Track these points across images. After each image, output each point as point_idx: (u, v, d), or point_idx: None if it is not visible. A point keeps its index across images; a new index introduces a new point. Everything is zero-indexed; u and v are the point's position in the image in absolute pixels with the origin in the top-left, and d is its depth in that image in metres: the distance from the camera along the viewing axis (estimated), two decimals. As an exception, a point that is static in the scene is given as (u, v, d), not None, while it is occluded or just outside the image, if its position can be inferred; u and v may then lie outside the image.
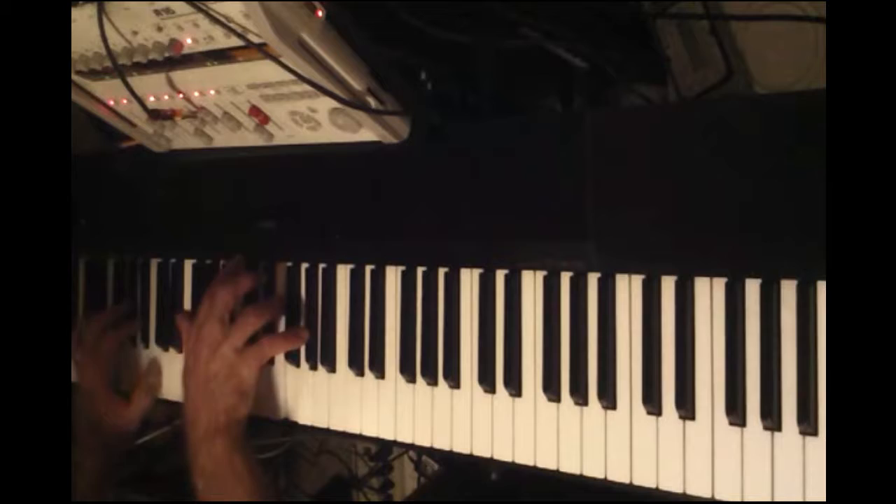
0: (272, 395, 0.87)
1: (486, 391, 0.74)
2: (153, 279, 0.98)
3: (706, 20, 0.83)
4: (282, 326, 0.87)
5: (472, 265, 0.76)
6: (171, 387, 0.95)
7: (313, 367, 0.85)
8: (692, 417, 0.65)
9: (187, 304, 0.94)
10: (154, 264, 0.98)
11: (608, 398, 0.68)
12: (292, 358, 0.86)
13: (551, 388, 0.71)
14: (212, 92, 0.76)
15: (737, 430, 0.63)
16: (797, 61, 0.80)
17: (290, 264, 0.87)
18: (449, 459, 1.00)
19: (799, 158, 0.59)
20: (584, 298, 0.70)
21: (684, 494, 0.64)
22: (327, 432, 0.83)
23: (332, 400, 0.84)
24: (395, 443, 0.80)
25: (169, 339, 0.96)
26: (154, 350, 0.97)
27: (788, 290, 0.61)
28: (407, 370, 0.78)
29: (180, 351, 0.94)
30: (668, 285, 0.66)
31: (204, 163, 0.88)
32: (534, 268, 0.72)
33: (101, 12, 0.67)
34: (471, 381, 0.75)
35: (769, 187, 0.61)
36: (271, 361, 0.87)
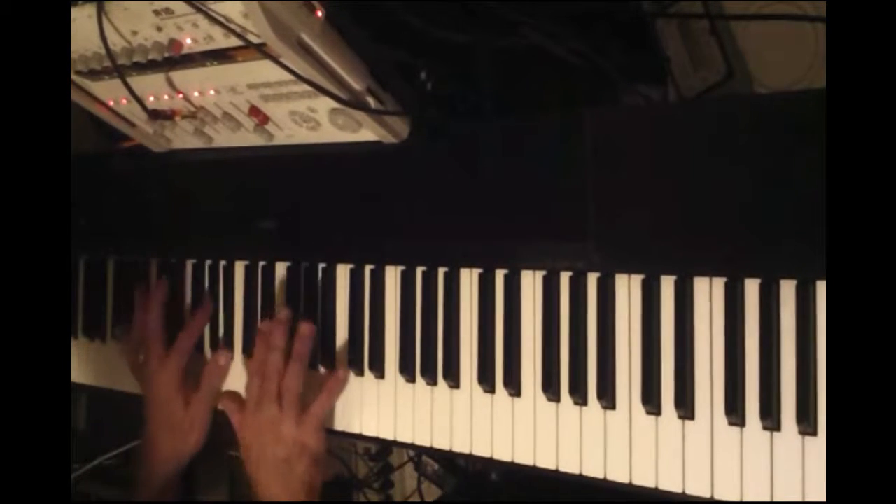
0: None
1: (485, 391, 0.74)
2: (153, 279, 0.98)
3: (706, 20, 0.83)
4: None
5: (471, 265, 0.76)
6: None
7: (313, 367, 0.84)
8: (691, 417, 0.65)
9: (187, 304, 0.94)
10: (154, 264, 0.98)
11: (607, 398, 0.68)
12: (292, 358, 0.86)
13: (551, 388, 0.71)
14: (211, 92, 0.76)
15: (736, 429, 0.63)
16: (797, 61, 0.80)
17: (289, 264, 0.87)
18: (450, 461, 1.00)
19: (799, 158, 0.59)
20: (584, 298, 0.70)
21: (684, 494, 0.64)
22: (327, 432, 0.83)
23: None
24: (395, 443, 0.80)
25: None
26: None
27: (788, 290, 0.61)
28: (406, 370, 0.78)
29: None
30: (667, 285, 0.66)
31: (204, 163, 0.88)
32: (534, 268, 0.72)
33: (100, 12, 0.67)
34: (470, 380, 0.75)
35: (769, 187, 0.61)
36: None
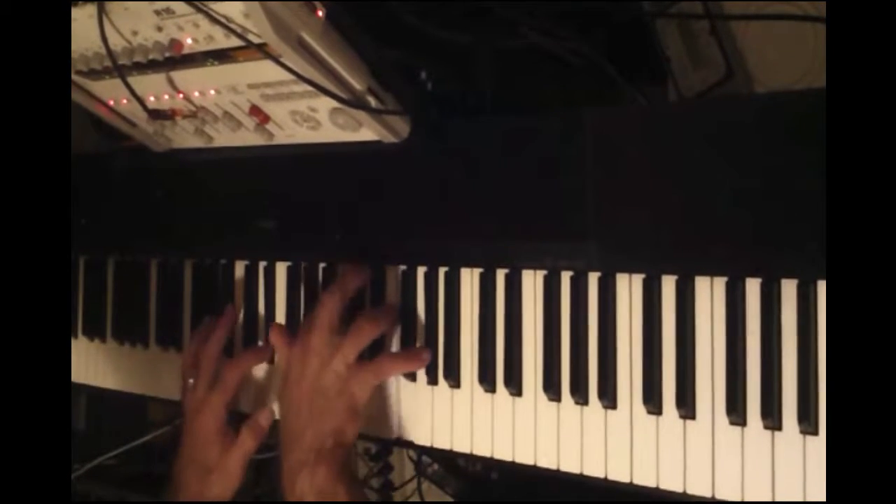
0: (269, 396, 0.87)
1: (486, 391, 0.74)
2: (153, 279, 0.98)
3: (706, 20, 0.83)
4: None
5: (472, 265, 0.76)
6: (172, 388, 0.95)
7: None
8: (692, 417, 0.65)
9: (187, 304, 0.94)
10: (154, 264, 0.98)
11: (608, 398, 0.68)
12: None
13: (552, 387, 0.71)
14: (212, 92, 0.76)
15: (737, 429, 0.63)
16: (797, 61, 0.80)
17: (289, 264, 0.87)
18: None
19: (799, 158, 0.59)
20: (585, 298, 0.70)
21: (684, 494, 0.64)
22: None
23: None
24: (395, 442, 0.80)
25: (169, 339, 0.96)
26: (154, 351, 0.97)
27: (788, 290, 0.61)
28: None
29: (180, 351, 0.94)
30: (668, 285, 0.66)
31: (204, 163, 0.88)
32: (534, 267, 0.72)
33: (101, 12, 0.67)
34: (471, 380, 0.75)
35: (769, 187, 0.61)
36: (271, 360, 0.87)
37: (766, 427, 0.61)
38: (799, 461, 0.60)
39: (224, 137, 0.84)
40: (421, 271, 0.78)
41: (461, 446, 0.75)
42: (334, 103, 0.70)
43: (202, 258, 0.93)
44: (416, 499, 1.04)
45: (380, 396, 0.80)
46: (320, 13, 0.65)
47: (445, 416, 0.77)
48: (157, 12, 0.66)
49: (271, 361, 0.87)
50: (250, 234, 0.87)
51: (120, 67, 0.71)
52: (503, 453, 0.73)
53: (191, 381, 0.86)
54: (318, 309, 0.76)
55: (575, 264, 0.70)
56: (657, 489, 0.65)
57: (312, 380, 0.74)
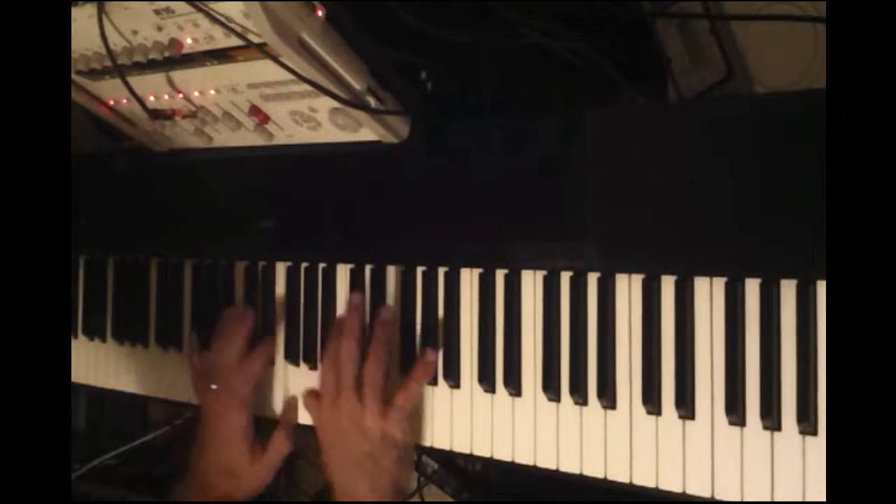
0: (273, 395, 0.87)
1: (486, 391, 0.74)
2: (153, 279, 0.98)
3: (706, 20, 0.83)
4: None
5: (472, 265, 0.76)
6: (173, 387, 0.95)
7: (313, 368, 0.85)
8: (692, 417, 0.65)
9: (187, 304, 0.94)
10: (154, 264, 0.98)
11: (608, 398, 0.68)
12: (293, 358, 0.86)
13: (551, 387, 0.71)
14: (212, 91, 0.76)
15: (736, 429, 0.63)
16: (797, 61, 0.80)
17: (290, 264, 0.87)
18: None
19: (799, 158, 0.59)
20: (584, 298, 0.70)
21: (684, 494, 0.64)
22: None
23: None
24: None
25: (169, 339, 0.96)
26: (154, 351, 0.97)
27: (788, 290, 0.61)
28: (407, 370, 0.78)
29: (180, 350, 0.94)
30: (668, 285, 0.66)
31: (204, 163, 0.88)
32: (534, 267, 0.72)
33: (101, 12, 0.67)
34: (471, 380, 0.75)
35: (769, 187, 0.61)
36: (272, 361, 0.87)
37: (765, 427, 0.61)
38: (798, 461, 0.60)
39: (224, 137, 0.84)
40: (420, 271, 0.78)
41: (461, 446, 0.75)
42: (334, 103, 0.70)
43: (202, 258, 0.93)
44: (416, 499, 1.04)
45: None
46: (320, 13, 0.65)
47: (445, 416, 0.77)
48: (157, 12, 0.66)
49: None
50: (250, 234, 0.87)
51: (120, 67, 0.71)
52: (503, 453, 0.73)
53: (213, 385, 0.84)
54: (335, 365, 0.76)
55: (574, 264, 0.70)
56: (657, 489, 0.65)
57: (356, 448, 0.73)
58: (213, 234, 0.92)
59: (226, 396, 0.83)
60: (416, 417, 0.78)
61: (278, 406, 0.87)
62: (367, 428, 0.73)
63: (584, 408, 0.69)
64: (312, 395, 0.79)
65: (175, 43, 0.68)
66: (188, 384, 0.89)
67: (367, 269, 0.82)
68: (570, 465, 0.70)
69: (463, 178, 0.75)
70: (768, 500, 0.61)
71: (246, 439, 0.83)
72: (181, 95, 0.77)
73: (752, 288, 0.62)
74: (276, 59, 0.65)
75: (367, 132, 0.75)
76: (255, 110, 0.77)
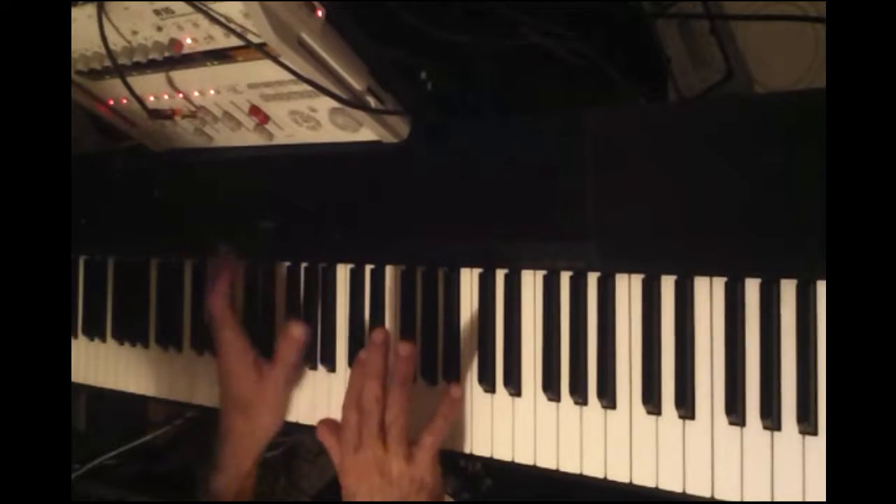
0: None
1: (485, 391, 0.74)
2: (153, 279, 0.98)
3: (706, 20, 0.83)
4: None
5: (471, 265, 0.76)
6: (172, 388, 0.95)
7: (313, 367, 0.85)
8: (692, 417, 0.65)
9: (187, 304, 0.94)
10: (154, 264, 0.98)
11: (608, 398, 0.68)
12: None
13: (551, 387, 0.71)
14: (212, 91, 0.76)
15: (736, 429, 0.63)
16: (797, 61, 0.80)
17: (289, 264, 0.87)
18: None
19: (799, 158, 0.59)
20: (584, 298, 0.70)
21: (684, 494, 0.64)
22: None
23: (331, 399, 0.83)
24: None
25: (169, 339, 0.96)
26: (155, 350, 0.97)
27: (788, 290, 0.61)
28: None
29: (180, 351, 0.94)
30: (668, 285, 0.66)
31: (204, 163, 0.88)
32: (534, 267, 0.72)
33: (100, 12, 0.67)
34: (470, 380, 0.75)
35: (769, 187, 0.61)
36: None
37: (765, 427, 0.61)
38: (798, 461, 0.60)
39: (224, 137, 0.84)
40: (420, 271, 0.78)
41: (461, 446, 0.75)
42: (334, 103, 0.70)
43: (202, 258, 0.93)
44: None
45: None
46: (320, 13, 0.65)
47: (445, 416, 0.76)
48: (157, 12, 0.66)
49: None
50: (250, 234, 0.87)
51: (120, 67, 0.71)
52: (503, 453, 0.73)
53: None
54: (359, 408, 0.72)
55: (574, 264, 0.70)
56: (657, 489, 0.65)
57: (383, 495, 0.71)
58: (213, 234, 0.92)
59: (217, 331, 0.83)
60: (416, 417, 0.77)
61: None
62: (396, 476, 0.70)
63: (584, 408, 0.69)
64: (331, 430, 0.75)
65: (175, 43, 0.69)
66: (188, 384, 0.90)
67: (367, 269, 0.82)
68: (570, 465, 0.70)
69: (463, 178, 0.75)
70: (768, 500, 0.61)
71: (251, 366, 0.81)
72: (181, 95, 0.77)
73: (752, 288, 0.62)
74: (275, 60, 0.65)
75: (367, 132, 0.75)
76: (255, 110, 0.77)
